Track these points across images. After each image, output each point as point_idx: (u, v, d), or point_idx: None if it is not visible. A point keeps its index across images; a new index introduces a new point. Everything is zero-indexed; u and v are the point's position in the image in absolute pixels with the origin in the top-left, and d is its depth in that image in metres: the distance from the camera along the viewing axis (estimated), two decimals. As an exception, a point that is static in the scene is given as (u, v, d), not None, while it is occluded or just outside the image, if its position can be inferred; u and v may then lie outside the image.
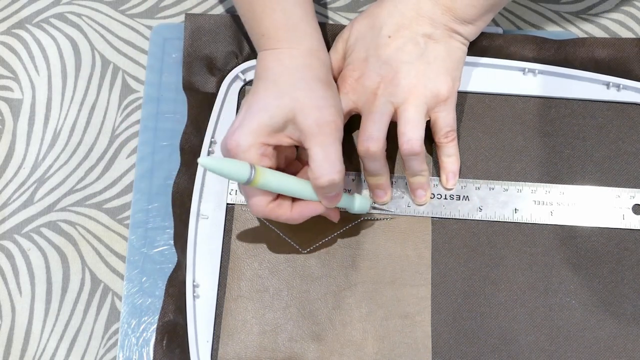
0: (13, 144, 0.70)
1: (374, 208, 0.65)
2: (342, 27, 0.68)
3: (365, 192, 0.66)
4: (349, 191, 0.66)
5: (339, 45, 0.66)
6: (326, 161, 0.57)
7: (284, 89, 0.59)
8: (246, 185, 0.57)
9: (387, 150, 0.62)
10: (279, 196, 0.59)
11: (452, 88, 0.63)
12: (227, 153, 0.58)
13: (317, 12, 0.65)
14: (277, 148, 0.60)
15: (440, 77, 0.63)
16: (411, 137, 0.61)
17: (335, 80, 0.65)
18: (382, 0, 0.65)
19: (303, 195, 0.59)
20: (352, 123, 0.66)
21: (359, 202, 0.63)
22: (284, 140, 0.59)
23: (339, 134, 0.59)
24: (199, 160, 0.55)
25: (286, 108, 0.58)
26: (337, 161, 0.57)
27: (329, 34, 0.70)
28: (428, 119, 0.63)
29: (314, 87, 0.59)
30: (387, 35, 0.63)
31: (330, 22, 0.73)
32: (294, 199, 0.60)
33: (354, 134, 0.67)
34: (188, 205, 0.65)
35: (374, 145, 0.61)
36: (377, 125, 0.61)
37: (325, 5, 0.74)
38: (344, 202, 0.62)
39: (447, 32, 0.64)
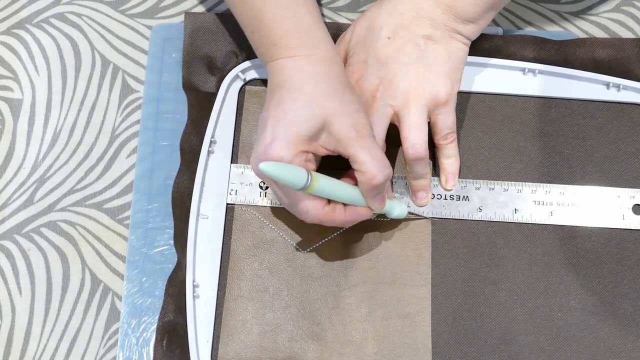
0: (13, 144, 0.70)
1: (410, 213, 0.65)
2: (340, 25, 0.68)
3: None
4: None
5: (340, 47, 0.66)
6: (375, 160, 0.57)
7: (312, 97, 0.58)
8: (300, 191, 0.57)
9: (386, 151, 0.62)
10: (329, 201, 0.59)
11: (451, 91, 0.63)
12: None
13: (317, 12, 0.65)
14: (314, 154, 0.59)
15: (439, 79, 0.62)
16: (415, 141, 0.61)
17: None
18: (382, 1, 0.64)
19: (352, 200, 0.59)
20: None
21: (399, 207, 0.63)
22: (319, 149, 0.58)
23: (373, 135, 0.59)
24: (260, 165, 0.54)
25: (319, 117, 0.57)
26: (384, 157, 0.58)
27: (329, 33, 0.69)
28: (428, 120, 0.63)
29: (341, 93, 0.59)
30: (387, 36, 0.63)
31: (329, 20, 0.73)
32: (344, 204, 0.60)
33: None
34: (188, 205, 0.65)
35: None
36: (376, 127, 0.61)
37: (325, 5, 0.74)
38: (386, 206, 0.62)
39: (447, 33, 0.63)
